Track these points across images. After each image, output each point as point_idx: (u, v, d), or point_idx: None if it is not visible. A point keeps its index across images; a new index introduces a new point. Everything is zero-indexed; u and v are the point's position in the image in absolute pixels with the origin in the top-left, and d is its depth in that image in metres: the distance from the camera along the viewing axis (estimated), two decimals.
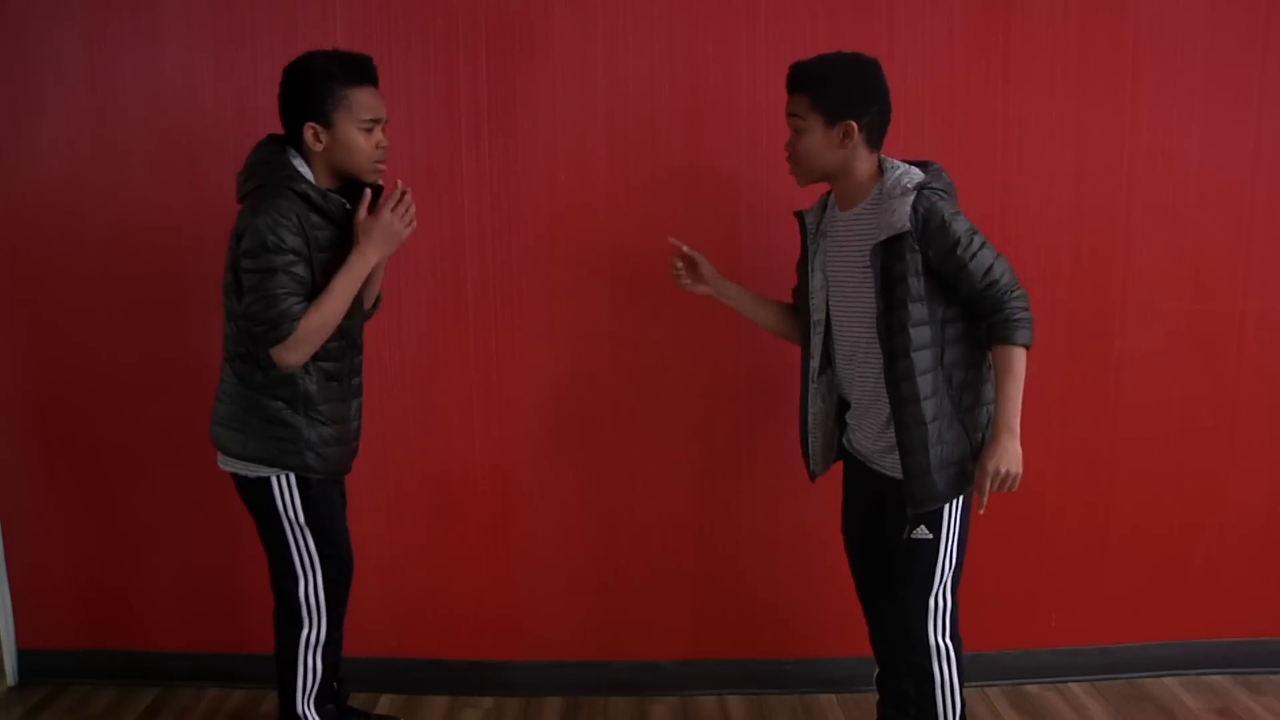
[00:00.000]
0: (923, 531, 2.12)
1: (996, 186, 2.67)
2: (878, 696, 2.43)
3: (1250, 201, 2.73)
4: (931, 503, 2.08)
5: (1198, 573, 2.87)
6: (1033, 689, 2.85)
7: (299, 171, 2.11)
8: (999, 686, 2.84)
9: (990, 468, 2.02)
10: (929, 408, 2.05)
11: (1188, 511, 2.84)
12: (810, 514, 2.74)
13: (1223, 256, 2.74)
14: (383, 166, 2.18)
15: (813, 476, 2.36)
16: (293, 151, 2.14)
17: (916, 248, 2.01)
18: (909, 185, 2.04)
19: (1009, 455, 2.03)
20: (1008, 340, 2.03)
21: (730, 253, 2.62)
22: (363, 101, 2.10)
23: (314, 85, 2.08)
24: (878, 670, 2.41)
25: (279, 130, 2.16)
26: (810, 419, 2.30)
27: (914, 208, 2.01)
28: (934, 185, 2.04)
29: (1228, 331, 2.77)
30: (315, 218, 2.10)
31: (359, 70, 2.12)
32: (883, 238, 2.03)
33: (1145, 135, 2.68)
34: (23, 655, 2.91)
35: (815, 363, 2.27)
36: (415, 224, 2.20)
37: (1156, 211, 2.71)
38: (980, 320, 2.07)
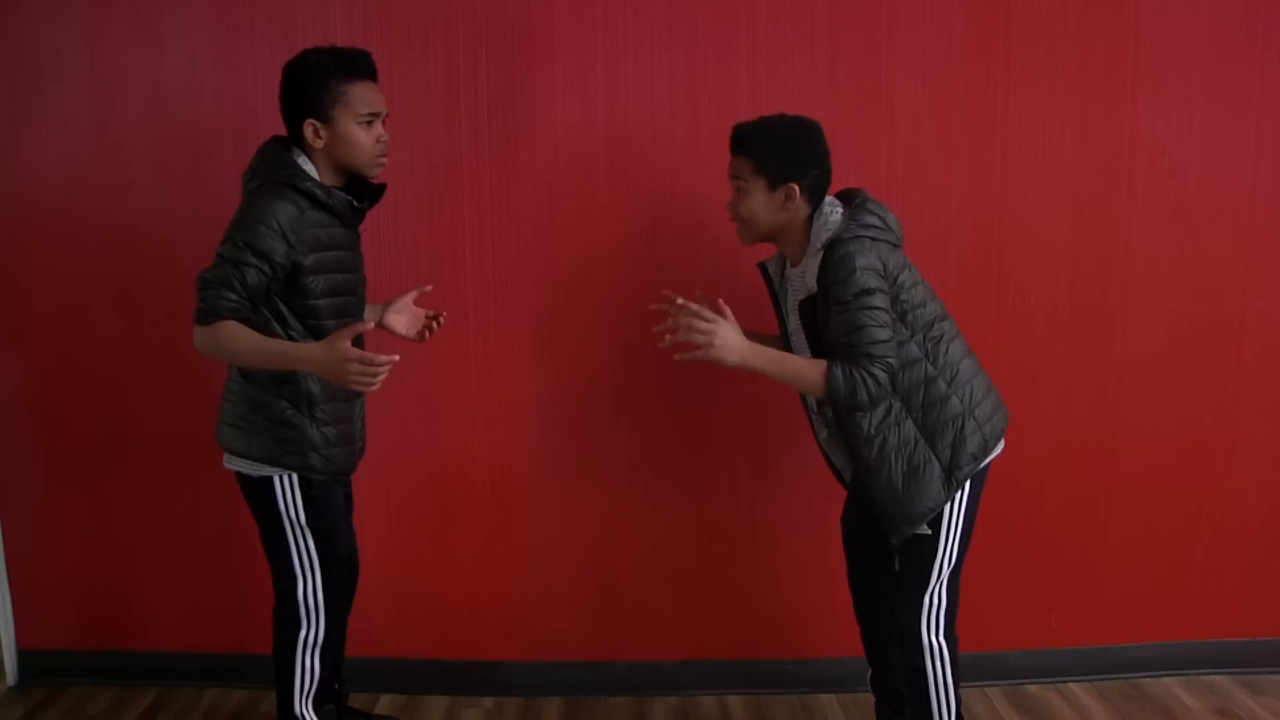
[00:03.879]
0: (923, 528, 2.12)
1: (996, 186, 2.67)
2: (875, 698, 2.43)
3: (1250, 201, 2.73)
4: (909, 527, 2.11)
5: (1198, 573, 2.86)
6: (1033, 689, 2.85)
7: (303, 169, 2.11)
8: (999, 686, 2.84)
9: (712, 324, 2.00)
10: (878, 444, 2.08)
11: (1188, 511, 2.84)
12: (810, 514, 2.74)
13: (1223, 256, 2.74)
14: (384, 161, 2.18)
15: (846, 486, 2.37)
16: (297, 150, 2.14)
17: (827, 300, 2.04)
18: (819, 245, 2.07)
19: (731, 344, 2.00)
20: (832, 370, 1.99)
21: (729, 254, 2.62)
22: (361, 96, 2.10)
23: (312, 81, 2.08)
24: (870, 671, 2.41)
25: (280, 130, 2.16)
26: (823, 443, 2.33)
27: (821, 267, 2.04)
28: (845, 236, 2.04)
29: (1228, 331, 2.77)
30: (320, 215, 2.10)
31: (356, 65, 2.11)
32: (800, 298, 2.09)
33: (1145, 135, 2.68)
34: (23, 655, 2.91)
35: (812, 398, 2.28)
36: (374, 388, 1.97)
37: (1156, 211, 2.71)
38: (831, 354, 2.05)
